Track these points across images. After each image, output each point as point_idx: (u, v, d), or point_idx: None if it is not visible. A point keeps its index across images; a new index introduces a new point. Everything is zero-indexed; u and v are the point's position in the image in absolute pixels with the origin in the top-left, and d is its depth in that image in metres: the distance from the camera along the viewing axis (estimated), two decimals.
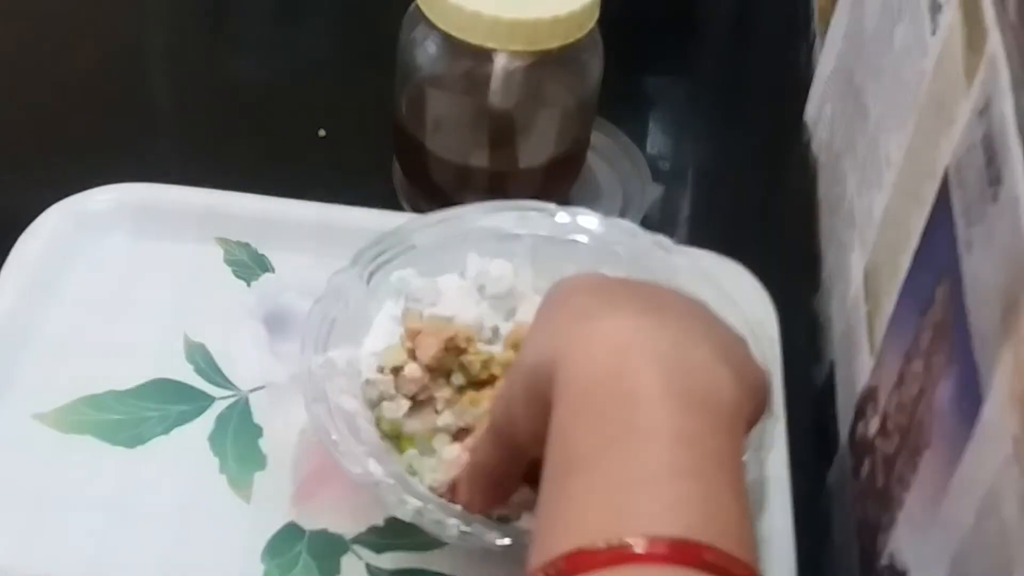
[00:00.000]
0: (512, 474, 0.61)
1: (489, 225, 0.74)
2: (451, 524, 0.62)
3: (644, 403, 0.50)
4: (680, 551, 0.45)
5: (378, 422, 0.68)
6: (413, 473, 0.66)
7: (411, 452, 0.67)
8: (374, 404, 0.68)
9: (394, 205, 0.88)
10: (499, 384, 0.67)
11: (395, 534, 0.64)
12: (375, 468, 0.64)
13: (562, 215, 0.75)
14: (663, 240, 0.74)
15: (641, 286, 0.59)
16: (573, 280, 0.59)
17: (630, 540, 0.45)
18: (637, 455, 0.49)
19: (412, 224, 0.74)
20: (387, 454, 0.66)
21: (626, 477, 0.48)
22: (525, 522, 0.64)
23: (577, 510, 0.48)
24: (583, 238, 0.74)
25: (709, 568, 0.45)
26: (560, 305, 0.57)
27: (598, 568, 0.45)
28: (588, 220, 0.75)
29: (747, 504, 0.49)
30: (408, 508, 0.62)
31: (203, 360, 0.74)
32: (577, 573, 0.46)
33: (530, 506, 0.64)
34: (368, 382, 0.68)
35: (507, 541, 0.61)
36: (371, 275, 0.72)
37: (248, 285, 0.79)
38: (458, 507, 0.63)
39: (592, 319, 0.54)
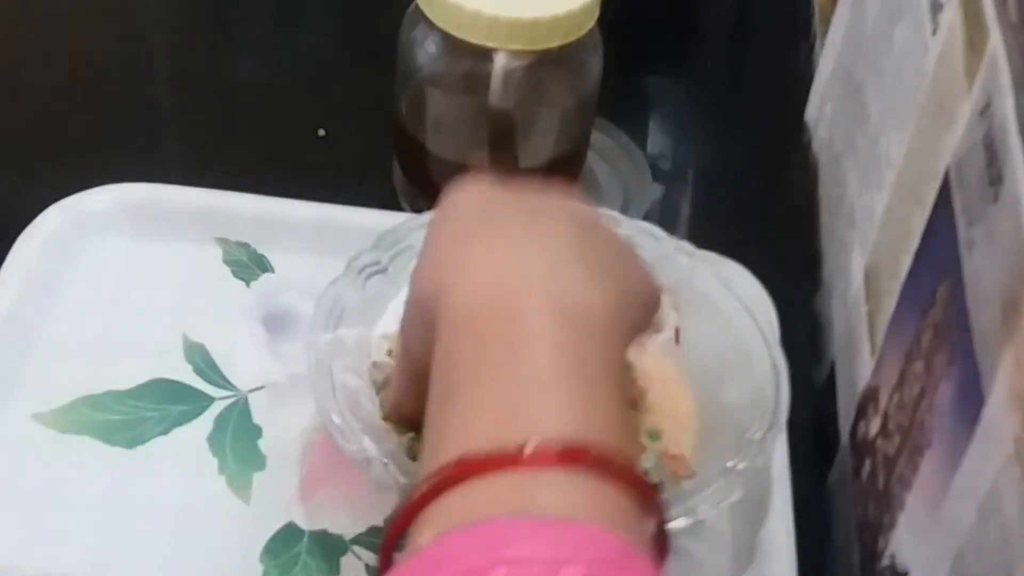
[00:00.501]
0: (417, 398, 0.60)
1: None
2: None
3: (522, 319, 0.51)
4: (567, 454, 0.46)
5: (381, 404, 0.67)
6: (413, 457, 0.66)
7: (410, 435, 0.67)
8: (379, 387, 0.68)
9: (394, 205, 0.88)
10: None
11: None
12: (370, 446, 0.64)
13: None
14: (685, 245, 0.74)
15: (521, 201, 0.59)
16: (455, 196, 0.60)
17: (517, 444, 0.46)
18: (519, 365, 0.50)
19: (391, 237, 0.73)
20: (386, 433, 0.66)
21: (510, 386, 0.49)
22: None
23: (462, 422, 0.49)
24: None
25: (593, 466, 0.46)
26: (441, 226, 0.59)
27: (486, 473, 0.46)
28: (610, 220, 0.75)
29: (627, 410, 0.52)
30: (401, 487, 0.62)
31: (202, 360, 0.74)
32: (465, 479, 0.46)
33: None
34: (375, 364, 0.68)
35: None
36: (392, 259, 0.72)
37: (247, 285, 0.79)
38: None
39: (469, 246, 0.55)
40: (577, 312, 0.52)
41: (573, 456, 0.46)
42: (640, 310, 0.57)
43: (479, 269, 0.54)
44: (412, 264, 0.71)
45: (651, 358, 0.70)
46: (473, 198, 0.60)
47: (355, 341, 0.69)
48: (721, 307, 0.69)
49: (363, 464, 0.63)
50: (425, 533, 0.46)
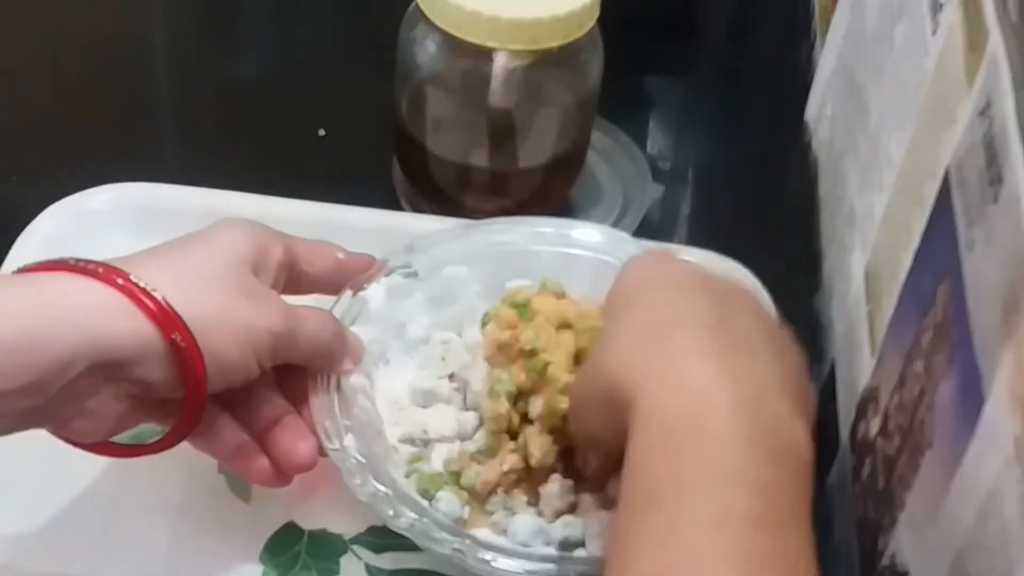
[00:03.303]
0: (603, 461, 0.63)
1: (503, 240, 0.74)
2: (442, 539, 0.62)
3: (726, 447, 0.51)
4: None
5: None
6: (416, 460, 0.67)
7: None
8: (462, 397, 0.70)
9: (394, 205, 0.88)
10: None
11: (395, 534, 0.64)
12: (351, 443, 0.64)
13: (570, 231, 0.75)
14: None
15: (721, 301, 0.58)
16: (652, 270, 0.60)
17: None
18: (718, 498, 0.49)
19: (427, 240, 0.74)
20: (377, 436, 0.66)
21: (706, 520, 0.49)
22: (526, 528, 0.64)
23: (658, 546, 0.49)
24: (587, 253, 0.74)
25: None
26: (638, 306, 0.58)
27: None
28: (592, 234, 0.75)
29: (815, 565, 0.50)
30: (402, 522, 0.62)
31: None
32: None
33: (563, 509, 0.65)
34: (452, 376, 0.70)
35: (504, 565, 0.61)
36: (424, 265, 0.73)
37: None
38: (446, 521, 0.64)
39: (671, 343, 0.54)
40: (783, 448, 0.52)
41: None
42: (811, 428, 0.57)
43: (685, 378, 0.53)
44: (447, 271, 0.72)
45: None
46: (665, 279, 0.60)
47: (369, 340, 0.69)
48: None
49: (332, 455, 0.64)
50: None
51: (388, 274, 0.71)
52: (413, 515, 0.62)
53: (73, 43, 1.03)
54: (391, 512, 0.62)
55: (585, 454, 0.65)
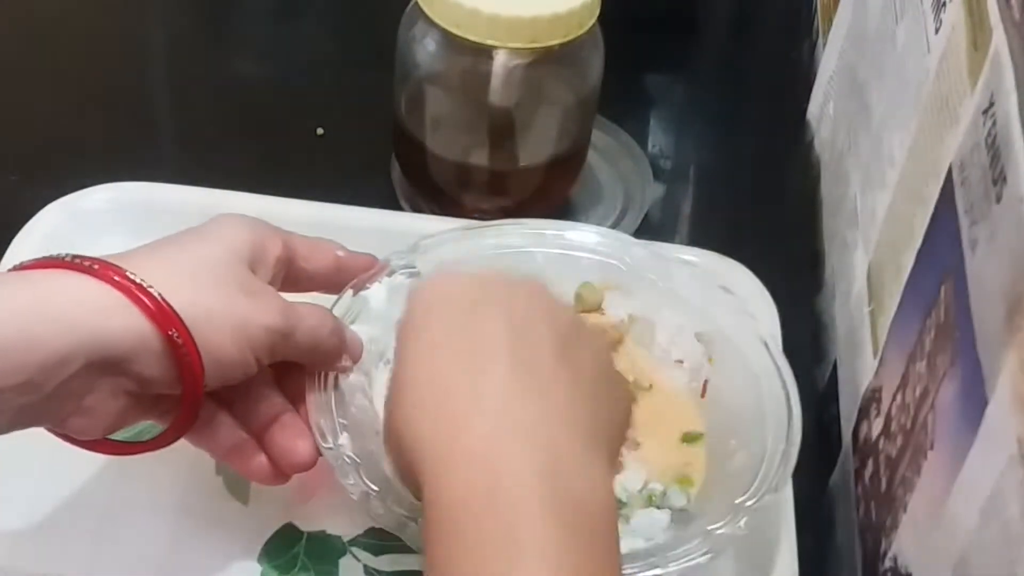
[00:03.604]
0: None
1: (507, 242, 0.74)
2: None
3: (519, 524, 0.48)
4: None
5: None
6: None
7: None
8: None
9: (393, 204, 0.88)
10: None
11: (394, 536, 0.64)
12: (345, 441, 0.64)
13: (572, 232, 0.75)
14: (665, 252, 0.74)
15: (506, 316, 0.55)
16: (426, 296, 0.58)
17: None
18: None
19: (430, 240, 0.74)
20: (374, 435, 0.66)
21: None
22: None
23: None
24: (589, 255, 0.74)
25: None
26: (416, 346, 0.56)
27: None
28: (594, 236, 0.75)
29: None
30: (393, 522, 0.62)
31: None
32: None
33: None
34: None
35: None
36: (427, 265, 0.72)
37: None
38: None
39: (452, 394, 0.52)
40: (582, 510, 0.49)
41: None
42: (621, 438, 0.57)
43: (471, 443, 0.51)
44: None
45: (675, 405, 0.70)
46: (445, 295, 0.58)
47: (369, 338, 0.68)
48: (753, 366, 0.68)
49: (327, 453, 0.64)
50: None
51: (390, 274, 0.71)
52: (405, 515, 0.61)
53: (72, 42, 1.03)
54: (381, 512, 0.62)
55: None
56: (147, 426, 0.65)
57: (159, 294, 0.57)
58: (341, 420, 0.65)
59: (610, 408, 0.56)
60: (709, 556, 0.61)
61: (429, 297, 0.58)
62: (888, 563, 0.62)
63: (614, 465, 0.54)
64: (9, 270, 0.59)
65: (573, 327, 0.57)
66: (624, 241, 0.75)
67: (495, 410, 0.52)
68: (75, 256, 0.58)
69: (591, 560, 0.48)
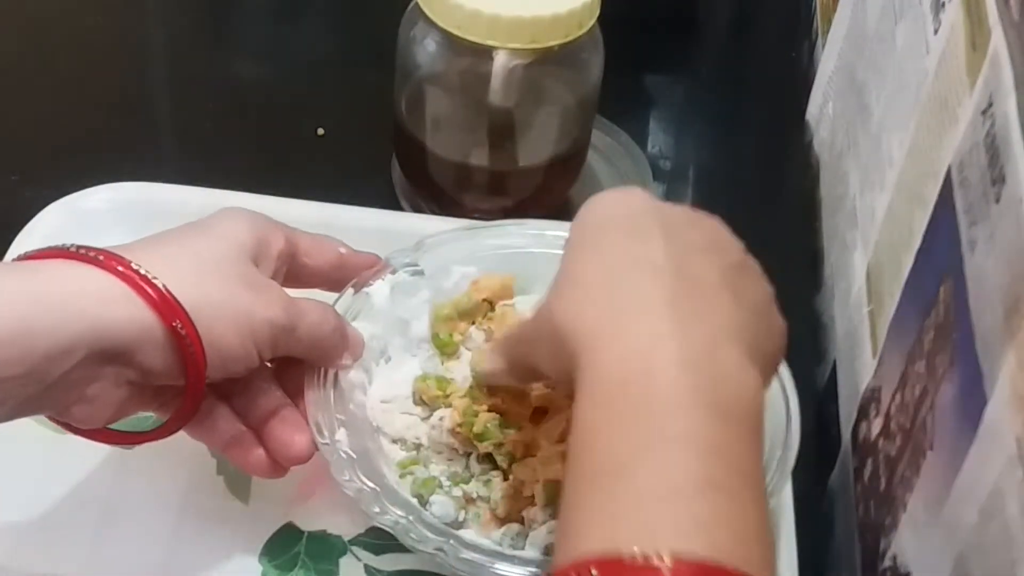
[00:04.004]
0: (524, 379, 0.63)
1: (511, 242, 0.74)
2: (432, 540, 0.62)
3: (674, 411, 0.49)
4: (704, 574, 0.45)
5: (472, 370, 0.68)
6: (469, 476, 0.67)
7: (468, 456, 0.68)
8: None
9: (394, 204, 0.88)
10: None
11: (394, 536, 0.64)
12: (342, 437, 0.64)
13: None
14: None
15: (678, 237, 0.56)
16: (611, 205, 0.58)
17: (659, 557, 0.45)
18: (667, 465, 0.48)
19: (434, 239, 0.74)
20: (372, 432, 0.66)
21: (655, 489, 0.48)
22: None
23: (607, 519, 0.48)
24: None
25: None
26: (592, 249, 0.56)
27: None
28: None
29: (768, 520, 0.50)
30: (387, 519, 0.62)
31: None
32: None
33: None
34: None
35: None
36: (430, 264, 0.73)
37: None
38: (433, 521, 0.64)
39: (623, 309, 0.52)
40: (731, 405, 0.50)
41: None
42: (775, 367, 0.57)
43: (630, 337, 0.51)
44: (453, 271, 0.72)
45: None
46: (622, 209, 0.57)
47: (370, 336, 0.68)
48: None
49: (323, 449, 0.64)
50: None
51: (393, 272, 0.71)
52: (400, 513, 0.62)
53: (72, 42, 1.03)
54: (377, 509, 0.62)
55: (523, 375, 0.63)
56: (146, 417, 0.65)
57: (163, 285, 0.57)
58: (339, 416, 0.65)
59: (767, 334, 0.55)
60: None
61: (609, 205, 0.58)
62: (887, 562, 0.62)
63: (767, 382, 0.54)
64: (13, 260, 0.59)
65: (741, 261, 0.57)
66: None
67: (659, 310, 0.52)
68: (80, 247, 0.58)
69: (731, 446, 0.49)
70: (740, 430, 0.50)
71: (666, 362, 0.50)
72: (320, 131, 0.94)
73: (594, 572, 0.45)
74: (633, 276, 0.54)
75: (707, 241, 0.56)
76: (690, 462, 0.48)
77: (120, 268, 0.57)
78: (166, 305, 0.57)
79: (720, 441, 0.49)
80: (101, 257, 0.57)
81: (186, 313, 0.58)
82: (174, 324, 0.57)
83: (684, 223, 0.57)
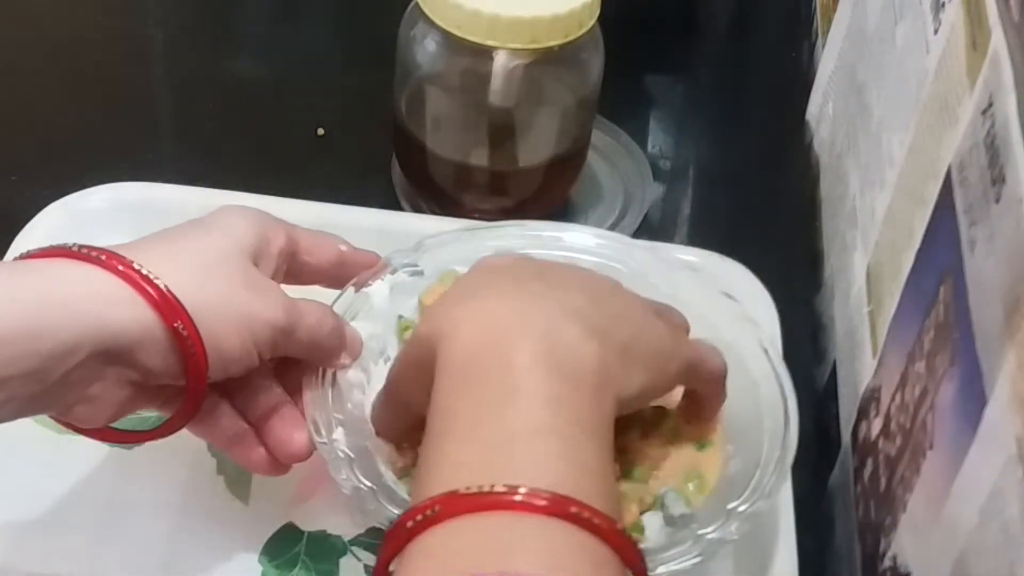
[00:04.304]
0: (404, 428, 0.64)
1: (511, 244, 0.74)
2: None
3: (514, 370, 0.54)
4: (552, 504, 0.48)
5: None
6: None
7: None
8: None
9: (393, 204, 0.88)
10: None
11: None
12: (340, 436, 0.64)
13: (574, 235, 0.74)
14: (667, 255, 0.74)
15: (544, 265, 0.64)
16: (483, 260, 0.65)
17: (506, 486, 0.49)
18: (507, 416, 0.53)
19: (434, 239, 0.74)
20: (370, 432, 0.66)
21: (498, 435, 0.52)
22: None
23: (451, 465, 0.52)
24: (592, 257, 0.73)
25: (575, 520, 0.48)
26: (462, 281, 0.63)
27: (473, 511, 0.48)
28: (596, 239, 0.74)
29: (609, 462, 0.54)
30: (383, 518, 0.62)
31: None
32: (452, 516, 0.48)
33: None
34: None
35: None
36: (430, 264, 0.73)
37: None
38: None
39: (475, 299, 0.58)
40: (569, 366, 0.54)
41: (557, 505, 0.49)
42: (649, 373, 0.59)
43: (481, 318, 0.57)
44: (457, 272, 0.71)
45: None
46: (503, 261, 0.65)
47: (369, 335, 0.68)
48: (753, 373, 0.68)
49: (321, 448, 0.64)
50: (411, 569, 0.49)
51: (393, 272, 0.71)
52: (396, 512, 0.61)
53: (72, 42, 1.03)
54: (373, 508, 0.62)
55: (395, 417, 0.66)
56: (148, 416, 0.65)
57: (165, 286, 0.57)
58: (337, 415, 0.65)
59: (617, 325, 0.58)
60: (699, 560, 0.61)
61: (488, 260, 0.66)
62: (887, 562, 0.62)
63: (630, 371, 0.58)
64: (15, 259, 0.59)
65: (610, 286, 0.62)
66: (626, 244, 0.75)
67: (507, 294, 0.58)
68: (81, 246, 0.58)
69: (568, 398, 0.54)
70: (578, 389, 0.54)
71: (509, 334, 0.55)
72: (320, 131, 0.94)
73: (435, 508, 0.49)
74: (486, 284, 0.60)
75: (576, 274, 0.63)
76: (529, 411, 0.53)
77: (122, 268, 0.57)
78: (167, 306, 0.57)
79: (558, 395, 0.53)
80: (103, 257, 0.58)
81: (187, 314, 0.58)
82: (175, 325, 0.58)
83: (558, 267, 0.64)
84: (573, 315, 0.56)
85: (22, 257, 0.59)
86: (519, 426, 0.52)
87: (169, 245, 0.61)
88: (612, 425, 0.56)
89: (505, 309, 0.57)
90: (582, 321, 0.56)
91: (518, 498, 0.48)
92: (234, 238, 0.62)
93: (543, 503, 0.48)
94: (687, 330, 0.66)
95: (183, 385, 0.60)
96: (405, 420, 0.63)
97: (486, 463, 0.51)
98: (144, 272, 0.57)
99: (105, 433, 0.63)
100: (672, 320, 0.65)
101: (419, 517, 0.49)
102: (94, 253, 0.58)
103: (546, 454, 0.51)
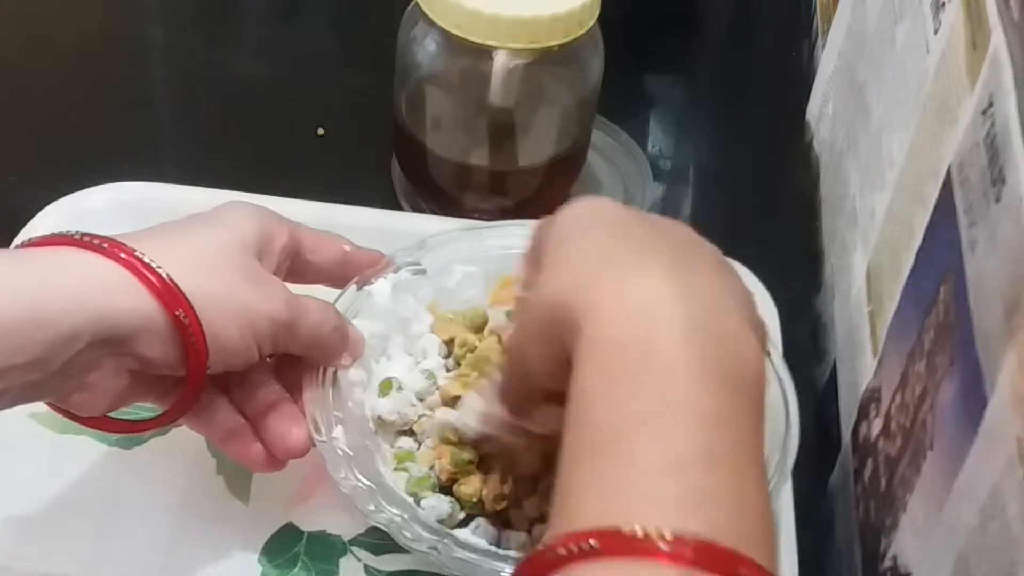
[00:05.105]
0: (529, 395, 0.59)
1: (514, 243, 0.74)
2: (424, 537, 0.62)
3: (676, 378, 0.48)
4: (704, 554, 0.44)
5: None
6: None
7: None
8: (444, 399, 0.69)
9: (393, 204, 0.87)
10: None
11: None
12: (339, 435, 0.64)
13: None
14: None
15: (663, 230, 0.55)
16: (589, 210, 0.57)
17: (659, 533, 0.44)
18: (670, 437, 0.47)
19: (437, 238, 0.73)
20: (369, 431, 0.66)
21: (657, 461, 0.46)
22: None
23: (605, 491, 0.47)
24: None
25: (727, 571, 0.44)
26: (580, 239, 0.54)
27: (634, 555, 0.44)
28: None
29: (768, 494, 0.49)
30: (382, 517, 0.62)
31: None
32: (612, 556, 0.44)
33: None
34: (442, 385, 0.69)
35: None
36: (432, 263, 0.72)
37: None
38: (430, 521, 0.63)
39: (621, 269, 0.51)
40: (734, 370, 0.49)
41: (726, 567, 0.44)
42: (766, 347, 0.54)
43: (632, 304, 0.50)
44: (455, 270, 0.71)
45: None
46: (607, 217, 0.56)
47: (371, 334, 0.68)
48: None
49: (320, 446, 0.64)
50: None
51: (396, 271, 0.71)
52: (395, 511, 0.61)
53: (71, 41, 1.03)
54: (372, 507, 0.62)
55: (510, 390, 0.60)
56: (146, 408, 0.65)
57: (167, 274, 0.57)
58: (337, 414, 0.65)
59: (755, 310, 0.54)
60: None
61: (585, 209, 0.57)
62: (888, 563, 0.62)
63: (763, 344, 0.52)
64: (17, 246, 0.59)
65: (720, 256, 0.56)
66: None
67: (659, 273, 0.51)
68: (84, 234, 0.58)
69: (734, 417, 0.48)
70: (742, 401, 0.49)
71: (668, 326, 0.49)
72: (320, 131, 0.94)
73: (592, 543, 0.44)
74: (627, 249, 0.53)
75: (688, 235, 0.56)
76: (691, 433, 0.47)
77: (124, 256, 0.57)
78: (169, 294, 0.57)
79: (722, 411, 0.48)
80: (105, 245, 0.57)
81: (189, 303, 0.58)
82: (177, 313, 0.57)
83: (661, 223, 0.56)
84: (728, 299, 0.51)
85: (24, 245, 0.59)
86: (682, 450, 0.47)
87: (172, 236, 0.61)
88: (763, 430, 0.50)
89: (658, 289, 0.50)
90: (739, 310, 0.51)
91: (687, 551, 0.44)
92: (238, 232, 0.62)
93: (711, 562, 0.44)
94: None
95: (182, 376, 0.60)
96: (525, 389, 0.58)
97: (646, 496, 0.46)
98: (146, 260, 0.57)
99: (102, 422, 0.63)
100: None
101: (573, 547, 0.44)
102: (96, 241, 0.58)
103: (711, 491, 0.46)
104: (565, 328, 0.51)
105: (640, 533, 0.44)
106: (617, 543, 0.44)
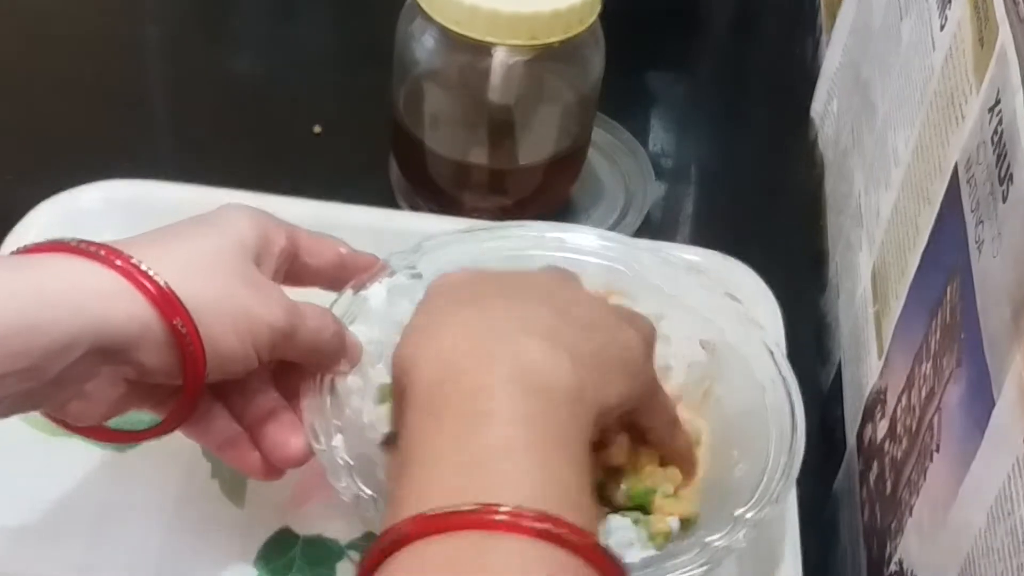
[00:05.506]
0: None
1: (511, 244, 0.73)
2: None
3: (483, 392, 0.53)
4: (523, 520, 0.47)
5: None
6: None
7: None
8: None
9: (392, 203, 0.87)
10: None
11: None
12: (339, 443, 0.63)
13: (577, 236, 0.74)
14: (672, 257, 0.73)
15: (504, 279, 0.63)
16: (444, 277, 0.64)
17: (476, 504, 0.47)
18: (475, 437, 0.52)
19: (433, 241, 0.73)
20: (370, 439, 0.66)
21: (469, 456, 0.51)
22: None
23: (420, 489, 0.51)
24: (593, 259, 0.73)
25: (549, 537, 0.47)
26: (423, 305, 0.62)
27: (442, 531, 0.47)
28: (598, 239, 0.74)
29: (586, 477, 0.53)
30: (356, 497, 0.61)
31: None
32: (421, 537, 0.47)
33: None
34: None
35: None
36: (428, 266, 0.71)
37: None
38: None
39: (441, 321, 0.58)
40: (539, 384, 0.54)
41: (529, 521, 0.47)
42: (626, 378, 0.59)
43: (446, 344, 0.56)
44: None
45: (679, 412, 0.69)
46: (460, 278, 0.63)
47: (367, 340, 0.68)
48: (758, 376, 0.68)
49: (320, 455, 0.63)
50: None
51: (391, 274, 0.70)
52: None
53: (70, 41, 1.03)
54: (372, 515, 0.61)
55: None
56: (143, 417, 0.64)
57: (164, 282, 0.57)
58: (336, 422, 0.64)
59: (585, 338, 0.58)
60: (707, 568, 0.60)
61: (452, 276, 0.64)
62: (893, 567, 0.62)
63: (599, 381, 0.57)
64: (12, 252, 0.59)
65: (574, 295, 0.63)
66: (630, 246, 0.74)
67: (469, 330, 0.57)
68: (80, 241, 0.57)
69: (542, 415, 0.53)
70: (551, 401, 0.53)
71: (473, 356, 0.55)
72: (317, 129, 0.94)
73: (405, 531, 0.48)
74: (455, 306, 0.60)
75: (537, 283, 0.62)
76: (503, 430, 0.52)
77: (120, 263, 0.57)
78: (166, 302, 0.57)
79: (531, 412, 0.52)
80: (102, 252, 0.57)
81: (187, 311, 0.57)
82: (175, 322, 0.57)
83: (518, 278, 0.63)
84: (539, 332, 0.56)
85: (19, 251, 0.58)
86: (490, 446, 0.51)
87: (169, 242, 0.60)
88: (589, 439, 0.55)
89: (471, 330, 0.57)
90: (550, 337, 0.56)
91: (490, 517, 0.47)
92: (236, 237, 0.62)
93: (515, 520, 0.47)
94: (654, 338, 0.64)
95: (179, 385, 0.60)
96: None
97: (457, 484, 0.50)
98: (143, 268, 0.57)
99: (98, 432, 0.63)
100: (639, 324, 0.63)
101: (385, 542, 0.48)
102: (92, 248, 0.57)
103: (520, 470, 0.50)
104: (403, 386, 0.56)
105: (440, 510, 0.48)
106: (424, 524, 0.48)
